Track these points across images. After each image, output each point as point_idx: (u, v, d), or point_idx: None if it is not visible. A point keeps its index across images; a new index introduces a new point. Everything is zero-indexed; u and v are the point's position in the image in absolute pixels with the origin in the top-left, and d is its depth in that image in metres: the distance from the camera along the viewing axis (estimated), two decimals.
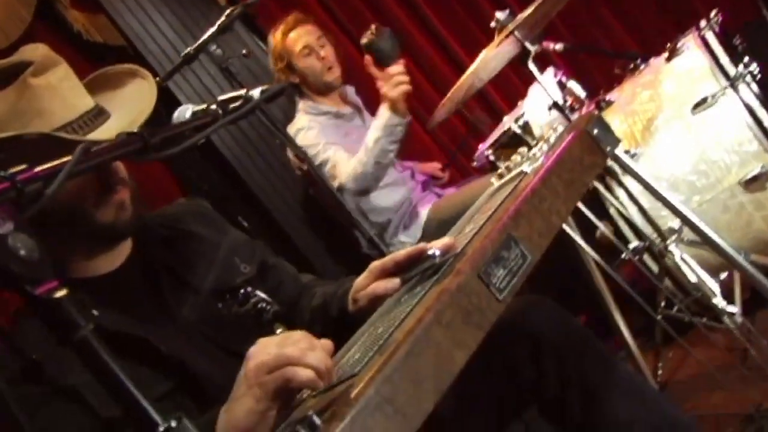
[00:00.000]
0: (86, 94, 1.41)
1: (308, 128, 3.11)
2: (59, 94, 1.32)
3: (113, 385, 0.67)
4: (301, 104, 3.27)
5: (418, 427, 0.81)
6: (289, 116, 3.31)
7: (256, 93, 1.14)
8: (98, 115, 1.36)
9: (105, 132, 1.34)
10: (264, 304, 1.49)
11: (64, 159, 0.78)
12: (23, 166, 0.75)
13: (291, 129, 3.17)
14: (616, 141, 1.38)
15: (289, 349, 0.97)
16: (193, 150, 3.72)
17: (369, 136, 2.91)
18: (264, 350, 0.98)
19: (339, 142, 3.06)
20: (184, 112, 1.17)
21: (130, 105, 1.39)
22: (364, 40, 2.73)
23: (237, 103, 1.12)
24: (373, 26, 2.73)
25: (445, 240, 1.20)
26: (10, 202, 0.70)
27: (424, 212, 3.15)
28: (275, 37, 3.25)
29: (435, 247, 1.17)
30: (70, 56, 1.44)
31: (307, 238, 3.80)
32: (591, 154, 1.32)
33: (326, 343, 1.03)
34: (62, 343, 0.68)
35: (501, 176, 1.52)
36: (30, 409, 1.21)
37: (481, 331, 0.94)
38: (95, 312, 1.30)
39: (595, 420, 1.39)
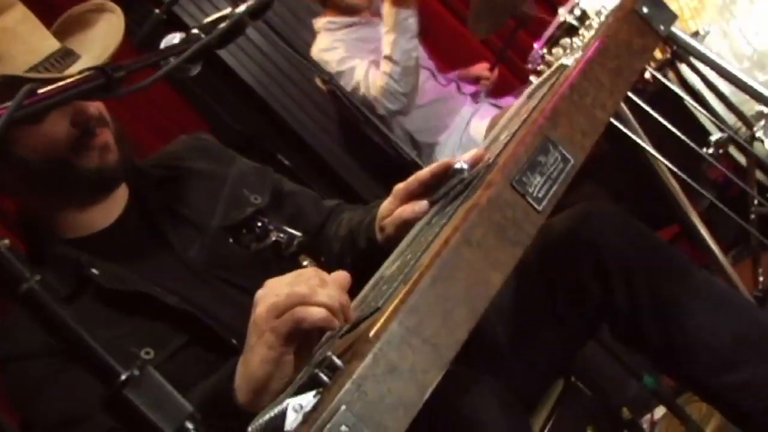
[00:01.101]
0: (49, 35, 1.41)
1: (331, 48, 3.11)
2: (18, 37, 1.33)
3: (67, 339, 0.69)
4: (320, 23, 3.26)
5: (452, 357, 0.82)
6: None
7: (240, 9, 1.13)
8: (65, 56, 1.36)
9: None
10: (284, 236, 1.50)
11: (5, 104, 0.79)
12: None
13: (313, 52, 3.16)
14: (672, 17, 1.33)
15: (298, 288, 0.97)
16: (220, 89, 3.78)
17: (383, 44, 2.91)
18: (271, 292, 0.99)
19: (368, 58, 3.04)
20: (171, 41, 1.17)
21: (100, 43, 1.39)
22: None
23: (224, 24, 1.12)
24: None
25: (473, 151, 1.19)
26: None
27: (479, 124, 3.13)
28: None
29: (462, 160, 1.16)
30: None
31: (353, 168, 3.83)
32: (641, 36, 1.28)
33: (339, 277, 1.03)
34: (9, 297, 0.70)
35: (540, 74, 1.49)
36: (44, 381, 1.27)
37: (519, 248, 0.94)
38: (95, 271, 1.34)
39: (675, 337, 1.38)
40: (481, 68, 3.59)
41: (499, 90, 3.58)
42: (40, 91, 0.86)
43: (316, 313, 0.95)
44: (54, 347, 1.26)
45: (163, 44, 1.14)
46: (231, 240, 1.51)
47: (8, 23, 1.33)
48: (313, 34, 3.43)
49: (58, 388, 1.28)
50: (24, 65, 1.31)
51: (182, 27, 1.17)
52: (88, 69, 0.94)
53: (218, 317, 1.37)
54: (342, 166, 3.91)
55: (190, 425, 0.67)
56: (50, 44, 1.38)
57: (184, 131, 1.81)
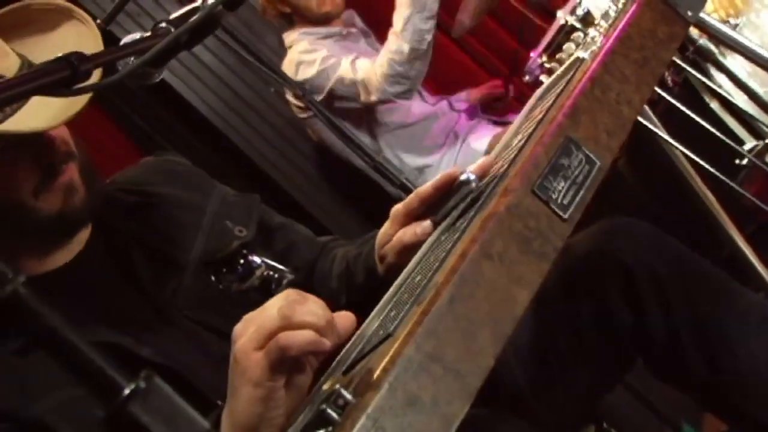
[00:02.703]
0: (8, 51, 1.38)
1: (311, 50, 3.14)
2: None
3: (61, 348, 0.69)
4: (293, 35, 3.30)
5: (478, 386, 0.82)
6: (279, 54, 3.35)
7: (212, 0, 1.14)
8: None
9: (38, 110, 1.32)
10: (273, 273, 1.50)
11: None
12: None
13: (289, 59, 3.21)
14: (700, 2, 1.36)
15: (276, 311, 0.97)
16: (166, 119, 3.78)
17: (396, 18, 2.90)
18: (249, 324, 0.99)
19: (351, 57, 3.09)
20: (134, 38, 1.18)
21: None
22: None
23: (194, 18, 1.13)
24: None
25: (481, 160, 1.20)
26: None
27: (479, 145, 3.17)
28: None
29: (468, 170, 1.18)
30: None
31: (324, 204, 3.85)
32: (667, 23, 1.31)
33: (342, 317, 1.03)
34: None
35: (552, 72, 1.52)
36: None
37: (546, 261, 0.95)
38: None
39: (723, 369, 1.39)
40: (492, 86, 3.63)
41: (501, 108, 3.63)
42: None
43: (302, 336, 0.95)
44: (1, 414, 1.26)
45: (125, 41, 1.14)
46: (212, 278, 1.50)
47: None
48: (273, 50, 3.48)
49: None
50: None
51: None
52: (52, 61, 0.94)
53: (198, 372, 1.35)
54: (310, 201, 3.92)
55: None
56: (9, 64, 1.34)
57: (121, 165, 1.79)
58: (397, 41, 2.88)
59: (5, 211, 1.37)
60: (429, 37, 2.88)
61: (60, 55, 1.28)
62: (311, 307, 0.98)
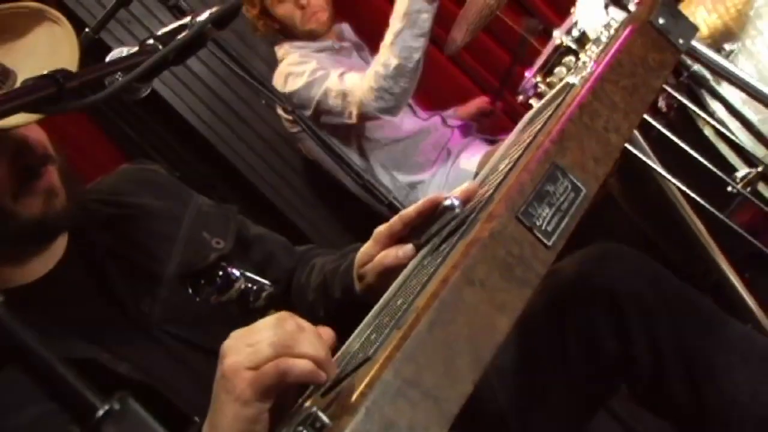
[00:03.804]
0: None
1: (301, 62, 3.16)
2: None
3: (36, 366, 0.70)
4: (285, 47, 3.32)
5: (455, 413, 0.83)
6: (272, 66, 3.37)
7: (203, 17, 1.15)
8: (1, 78, 1.33)
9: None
10: (251, 285, 1.50)
11: None
12: None
13: (279, 71, 3.23)
14: (692, 30, 1.38)
15: (279, 336, 0.98)
16: (156, 129, 3.78)
17: (388, 31, 2.90)
18: (242, 342, 1.00)
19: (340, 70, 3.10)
20: (119, 55, 1.19)
21: (43, 61, 1.34)
22: None
23: (183, 34, 1.14)
24: None
25: (464, 185, 1.21)
26: None
27: (470, 165, 3.18)
28: None
29: (453, 196, 1.19)
30: None
31: (311, 217, 3.87)
32: (658, 50, 1.33)
33: (324, 332, 1.05)
34: None
35: (541, 96, 1.54)
36: None
37: (528, 288, 0.96)
38: None
39: (708, 400, 1.39)
40: (480, 102, 3.65)
41: (493, 127, 3.64)
42: None
43: (303, 365, 0.97)
44: None
45: (108, 59, 1.15)
46: (190, 291, 1.51)
47: None
48: (266, 61, 3.50)
49: None
50: None
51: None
52: (37, 78, 0.94)
53: (176, 387, 1.35)
54: (299, 216, 3.94)
55: None
56: None
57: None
58: (386, 54, 2.89)
59: None
60: (418, 56, 2.88)
61: (39, 64, 1.29)
62: (311, 338, 1.00)
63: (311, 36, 3.36)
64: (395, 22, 2.88)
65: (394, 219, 1.40)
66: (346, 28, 3.58)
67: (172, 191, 1.69)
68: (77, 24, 1.45)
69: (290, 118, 3.24)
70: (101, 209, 1.57)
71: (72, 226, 1.50)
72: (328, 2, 3.35)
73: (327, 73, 3.10)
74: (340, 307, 1.50)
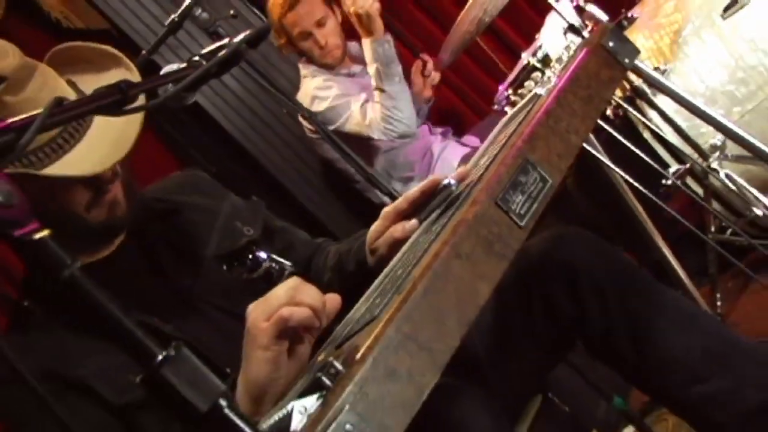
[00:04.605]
0: (70, 92, 1.38)
1: (326, 87, 3.16)
2: (39, 105, 1.29)
3: (106, 322, 0.70)
4: (312, 68, 3.31)
5: (446, 361, 0.83)
6: (293, 81, 3.37)
7: (238, 38, 1.15)
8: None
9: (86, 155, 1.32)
10: (275, 265, 1.50)
11: (37, 111, 0.81)
12: None
13: (304, 91, 3.22)
14: (635, 52, 1.37)
15: (282, 292, 1.02)
16: (196, 132, 3.77)
17: (371, 76, 2.99)
18: (260, 304, 1.04)
19: (361, 97, 3.13)
20: (170, 69, 1.18)
21: None
22: None
23: (222, 53, 1.13)
24: None
25: (460, 168, 1.21)
26: None
27: (451, 160, 3.20)
28: (273, 13, 3.24)
29: (450, 177, 1.18)
30: (51, 47, 1.42)
31: (326, 208, 3.86)
32: (608, 68, 1.31)
33: (331, 299, 1.07)
34: (51, 283, 0.71)
35: (515, 104, 1.52)
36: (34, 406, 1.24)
37: (505, 261, 0.95)
38: None
39: (646, 352, 1.39)
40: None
41: (464, 129, 3.63)
42: (66, 102, 0.88)
43: (301, 311, 1.01)
44: (50, 373, 1.25)
45: (165, 71, 1.15)
46: (225, 269, 1.51)
47: (30, 93, 1.29)
48: (288, 78, 3.49)
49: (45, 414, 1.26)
50: (46, 136, 1.27)
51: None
52: (106, 87, 0.94)
53: (212, 346, 1.33)
54: (316, 207, 3.93)
55: (223, 402, 0.67)
56: (64, 88, 1.34)
57: (160, 172, 1.80)
58: (380, 93, 2.98)
59: (62, 220, 1.35)
60: (398, 79, 3.00)
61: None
62: (310, 292, 1.03)
63: (327, 67, 3.34)
64: (370, 65, 3.02)
65: (400, 199, 1.40)
66: (354, 46, 3.56)
67: (211, 190, 1.70)
68: (134, 49, 1.46)
69: (311, 127, 3.25)
70: (155, 205, 1.58)
71: (129, 226, 1.51)
72: (342, 40, 3.32)
73: (349, 101, 3.12)
74: (354, 279, 1.49)
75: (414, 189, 1.36)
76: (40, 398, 0.85)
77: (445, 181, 1.20)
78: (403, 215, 1.39)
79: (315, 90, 3.18)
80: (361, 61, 3.46)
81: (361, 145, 3.15)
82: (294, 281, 1.05)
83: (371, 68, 2.95)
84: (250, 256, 1.53)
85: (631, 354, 1.40)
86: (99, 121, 1.36)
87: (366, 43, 2.93)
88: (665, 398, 1.46)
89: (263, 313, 1.01)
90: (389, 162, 3.23)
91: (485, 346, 1.46)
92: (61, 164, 1.30)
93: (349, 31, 3.38)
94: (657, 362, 1.39)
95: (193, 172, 1.75)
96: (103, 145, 1.34)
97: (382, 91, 2.95)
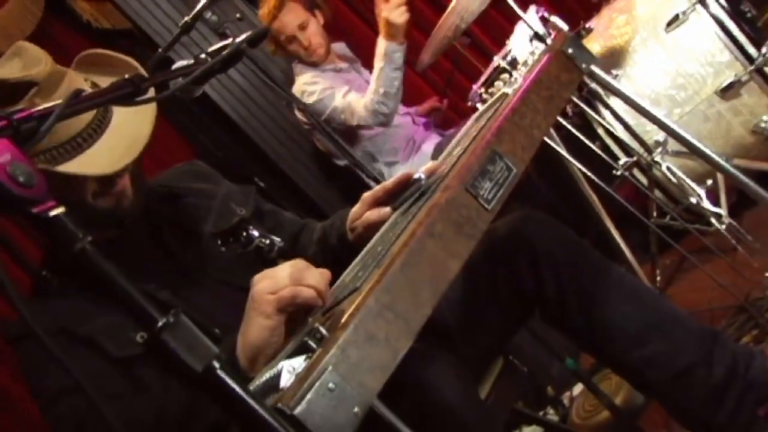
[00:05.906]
0: (79, 78, 1.32)
1: (313, 82, 3.12)
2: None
3: (113, 290, 0.70)
4: (301, 65, 3.28)
5: (419, 328, 0.82)
6: (290, 76, 3.33)
7: (240, 38, 1.13)
8: (103, 114, 1.29)
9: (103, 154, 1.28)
10: (266, 241, 1.49)
11: (57, 102, 0.78)
12: (20, 107, 0.77)
13: (296, 87, 3.19)
14: (591, 58, 1.36)
15: (293, 271, 1.01)
16: (205, 121, 3.73)
17: (374, 68, 2.93)
18: (267, 276, 1.02)
19: (345, 88, 3.09)
20: (180, 65, 1.15)
21: (134, 116, 1.30)
22: None
23: (226, 51, 1.11)
24: None
25: (430, 163, 1.20)
26: (8, 138, 0.72)
27: (428, 148, 3.17)
28: (262, 20, 3.21)
29: (420, 172, 1.17)
30: (83, 46, 1.40)
31: (319, 189, 3.84)
32: (567, 71, 1.30)
33: (324, 271, 1.05)
34: (63, 257, 0.70)
35: (485, 102, 1.50)
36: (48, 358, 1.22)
37: (473, 240, 0.94)
38: None
39: (594, 321, 1.39)
40: (432, 101, 3.62)
41: (444, 123, 3.61)
42: (83, 94, 0.86)
43: (308, 292, 0.99)
44: (63, 330, 1.25)
45: (175, 66, 1.12)
46: (221, 245, 1.49)
47: (58, 97, 1.22)
48: (283, 71, 3.46)
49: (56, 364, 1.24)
50: (68, 134, 1.23)
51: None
52: (119, 80, 0.92)
53: (207, 310, 1.31)
54: (310, 187, 3.90)
55: (216, 364, 0.67)
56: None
57: (174, 156, 1.78)
58: (375, 85, 2.91)
59: (70, 206, 1.30)
60: (398, 83, 2.92)
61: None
62: (316, 275, 1.02)
63: (314, 65, 3.30)
64: (378, 61, 2.90)
65: (377, 188, 1.39)
66: (341, 46, 3.52)
67: (209, 177, 1.67)
68: (152, 46, 1.43)
69: (305, 119, 3.22)
70: (160, 191, 1.55)
71: (135, 216, 1.45)
72: (325, 39, 3.28)
73: (333, 92, 3.08)
74: (336, 252, 1.49)
75: (389, 180, 1.35)
76: (49, 349, 0.84)
77: (416, 176, 1.19)
78: (379, 202, 1.39)
79: (304, 85, 3.15)
80: (346, 59, 3.44)
81: (350, 131, 3.12)
82: (301, 262, 1.04)
83: (376, 66, 2.90)
84: (244, 234, 1.50)
85: (581, 322, 1.40)
86: (115, 123, 1.32)
87: (382, 42, 2.87)
88: (609, 360, 1.46)
89: (270, 285, 1.00)
90: (376, 147, 3.21)
91: (454, 315, 1.45)
92: (78, 162, 1.26)
93: (334, 32, 3.40)
94: (603, 329, 1.39)
95: (193, 162, 1.74)
96: (118, 145, 1.29)
97: (376, 84, 2.90)
